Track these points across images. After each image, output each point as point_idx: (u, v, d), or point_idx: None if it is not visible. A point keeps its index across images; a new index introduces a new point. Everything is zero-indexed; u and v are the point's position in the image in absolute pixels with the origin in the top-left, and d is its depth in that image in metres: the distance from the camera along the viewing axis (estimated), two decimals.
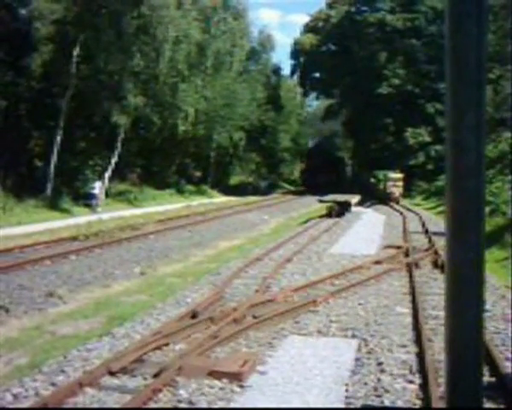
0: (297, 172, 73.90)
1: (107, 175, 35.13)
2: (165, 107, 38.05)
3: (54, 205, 29.15)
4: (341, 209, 29.03)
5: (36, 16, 30.63)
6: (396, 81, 54.50)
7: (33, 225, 23.40)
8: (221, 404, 5.83)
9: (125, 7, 30.89)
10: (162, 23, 31.51)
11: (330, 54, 62.02)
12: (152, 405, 5.78)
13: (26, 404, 5.79)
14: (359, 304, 10.06)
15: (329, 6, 63.42)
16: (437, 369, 6.48)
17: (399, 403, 5.85)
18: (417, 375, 6.55)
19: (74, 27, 31.22)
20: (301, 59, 65.43)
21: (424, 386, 6.12)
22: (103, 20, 30.90)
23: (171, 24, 32.27)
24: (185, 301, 10.29)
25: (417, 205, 40.42)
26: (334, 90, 63.75)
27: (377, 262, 14.18)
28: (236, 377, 6.37)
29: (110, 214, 27.08)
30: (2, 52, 31.08)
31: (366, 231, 22.22)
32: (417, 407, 5.83)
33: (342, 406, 5.81)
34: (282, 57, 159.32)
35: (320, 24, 63.73)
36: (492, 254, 15.17)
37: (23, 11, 32.30)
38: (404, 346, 7.67)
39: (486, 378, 6.29)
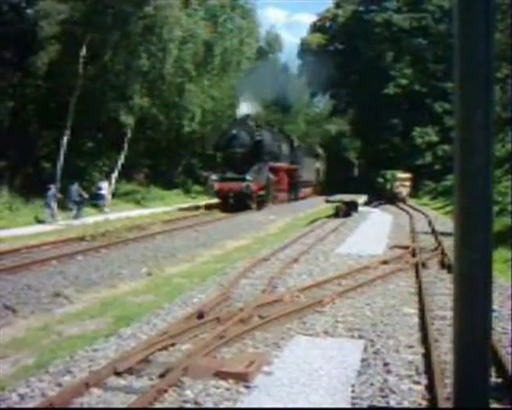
0: None
1: (114, 175, 35.22)
2: (171, 107, 38.13)
3: (61, 206, 29.23)
4: (348, 209, 29.01)
5: (42, 16, 30.69)
6: (403, 81, 54.49)
7: (40, 225, 23.48)
8: (227, 404, 5.82)
9: (131, 7, 30.93)
10: (167, 23, 31.54)
11: (337, 53, 62.02)
12: (158, 405, 5.78)
13: (32, 404, 5.79)
14: (366, 304, 10.03)
15: (337, 5, 63.43)
16: (443, 370, 6.45)
17: (406, 404, 5.83)
18: (424, 376, 6.52)
19: (81, 27, 31.29)
20: (308, 58, 65.44)
21: (430, 387, 6.09)
22: (109, 20, 30.95)
23: (177, 24, 32.30)
24: (192, 302, 10.28)
25: (425, 205, 40.35)
26: (342, 89, 63.70)
27: (384, 262, 14.15)
28: (243, 378, 6.36)
29: (117, 215, 27.15)
30: (10, 53, 31.21)
31: (373, 231, 22.18)
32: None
33: (348, 406, 5.79)
34: (288, 56, 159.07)
35: (327, 23, 63.79)
36: (500, 254, 15.10)
37: (30, 11, 32.37)
38: (411, 346, 7.63)
39: (493, 379, 6.26)
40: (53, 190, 25.62)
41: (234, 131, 33.70)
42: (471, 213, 1.80)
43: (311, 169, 50.31)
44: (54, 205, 25.43)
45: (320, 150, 57.70)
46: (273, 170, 35.65)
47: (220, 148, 34.99)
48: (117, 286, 12.18)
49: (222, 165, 34.54)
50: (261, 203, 33.43)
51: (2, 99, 31.48)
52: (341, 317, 9.18)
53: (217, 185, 32.45)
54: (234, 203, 32.04)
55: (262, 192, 33.32)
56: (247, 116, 35.57)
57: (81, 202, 26.75)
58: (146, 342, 7.58)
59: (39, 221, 24.83)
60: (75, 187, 26.92)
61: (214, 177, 33.18)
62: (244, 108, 35.99)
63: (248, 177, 32.21)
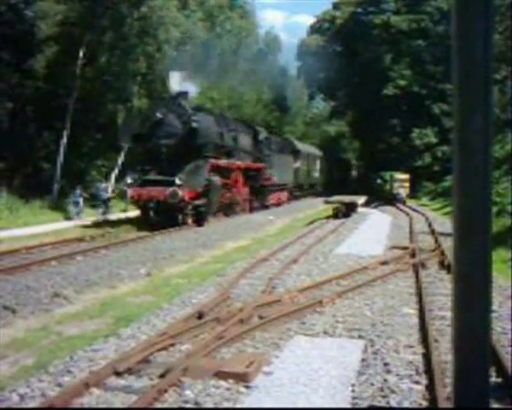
0: None
1: (113, 176, 35.20)
2: None
3: (60, 206, 29.25)
4: (347, 210, 29.02)
5: (40, 17, 30.71)
6: (402, 82, 54.49)
7: (39, 226, 23.47)
8: (227, 405, 5.82)
9: (127, 8, 30.93)
10: (163, 24, 31.49)
11: (336, 55, 62.02)
12: (158, 405, 5.78)
13: (32, 404, 5.80)
14: (366, 305, 10.03)
15: (335, 7, 63.43)
16: (443, 370, 6.46)
17: (406, 404, 5.84)
18: (424, 376, 6.53)
19: (78, 28, 31.31)
20: (307, 60, 65.44)
21: (430, 387, 6.10)
22: (105, 21, 30.97)
23: (172, 25, 32.24)
24: (191, 302, 10.28)
25: (424, 206, 40.37)
26: (341, 91, 63.70)
27: (383, 263, 14.15)
28: (242, 378, 6.37)
29: (116, 215, 27.12)
30: (8, 53, 31.21)
31: (372, 231, 22.18)
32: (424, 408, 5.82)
33: (348, 406, 5.80)
34: (286, 58, 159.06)
35: (326, 25, 63.80)
36: (499, 255, 15.12)
37: (28, 12, 32.39)
38: (411, 346, 7.65)
39: (493, 379, 6.27)
40: (78, 190, 28.02)
41: (159, 115, 23.83)
42: (470, 213, 1.81)
43: (287, 169, 41.28)
44: (81, 204, 27.91)
45: (301, 146, 49.12)
46: (221, 170, 25.86)
47: (141, 138, 25.18)
48: (116, 287, 12.18)
49: (143, 162, 24.81)
50: (200, 216, 23.82)
51: (1, 100, 31.49)
52: (341, 317, 9.19)
53: (131, 192, 22.80)
54: (155, 217, 22.66)
55: (199, 201, 23.38)
56: (182, 94, 25.14)
57: (108, 200, 28.48)
58: (146, 342, 7.59)
59: (67, 218, 26.99)
60: (103, 186, 29.03)
61: (129, 179, 23.75)
62: (176, 85, 25.62)
63: (177, 180, 22.54)
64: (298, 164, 45.29)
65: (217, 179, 24.77)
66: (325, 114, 76.31)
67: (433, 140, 53.02)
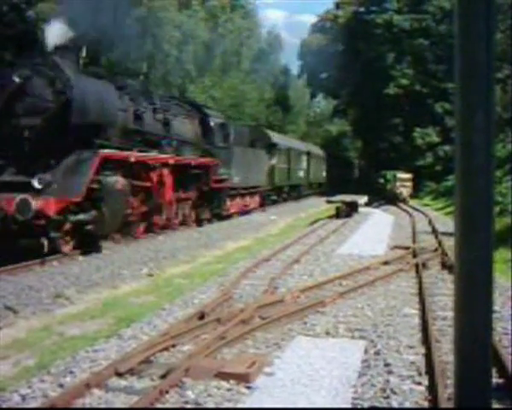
0: None
1: None
2: None
3: None
4: (349, 210, 29.01)
5: (41, 18, 30.74)
6: (404, 81, 54.46)
7: None
8: (228, 405, 5.81)
9: (128, 8, 30.96)
10: (162, 25, 31.47)
11: (338, 54, 62.03)
12: (159, 406, 5.78)
13: (33, 405, 5.79)
14: (367, 305, 10.02)
15: (337, 6, 63.42)
16: (445, 370, 6.44)
17: (407, 404, 5.82)
18: (425, 376, 6.52)
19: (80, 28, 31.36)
20: (309, 59, 65.45)
21: (432, 387, 6.09)
22: (107, 20, 30.99)
23: (172, 25, 32.22)
24: (193, 302, 10.28)
25: (426, 205, 40.34)
26: (342, 90, 63.70)
27: (385, 263, 14.14)
28: (244, 379, 6.35)
29: None
30: (10, 54, 31.22)
31: (374, 231, 22.16)
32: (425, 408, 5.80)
33: (349, 407, 5.79)
34: (288, 57, 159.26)
35: (328, 24, 63.81)
36: (501, 255, 15.09)
37: (30, 13, 32.46)
38: (412, 347, 7.63)
39: (494, 379, 6.26)
40: None
41: (17, 79, 14.83)
42: (472, 213, 1.80)
43: (258, 167, 31.79)
44: None
45: (278, 138, 40.09)
46: (127, 166, 17.07)
47: None
48: (118, 287, 12.18)
49: None
50: (88, 238, 15.43)
51: None
52: (342, 317, 9.17)
53: None
54: None
55: (83, 216, 14.73)
56: (63, 48, 16.26)
57: None
58: (147, 342, 7.58)
59: None
60: None
61: None
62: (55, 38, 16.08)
63: (36, 182, 13.89)
64: (274, 161, 36.58)
65: (115, 181, 15.91)
66: (327, 113, 76.34)
67: (435, 139, 53.00)
